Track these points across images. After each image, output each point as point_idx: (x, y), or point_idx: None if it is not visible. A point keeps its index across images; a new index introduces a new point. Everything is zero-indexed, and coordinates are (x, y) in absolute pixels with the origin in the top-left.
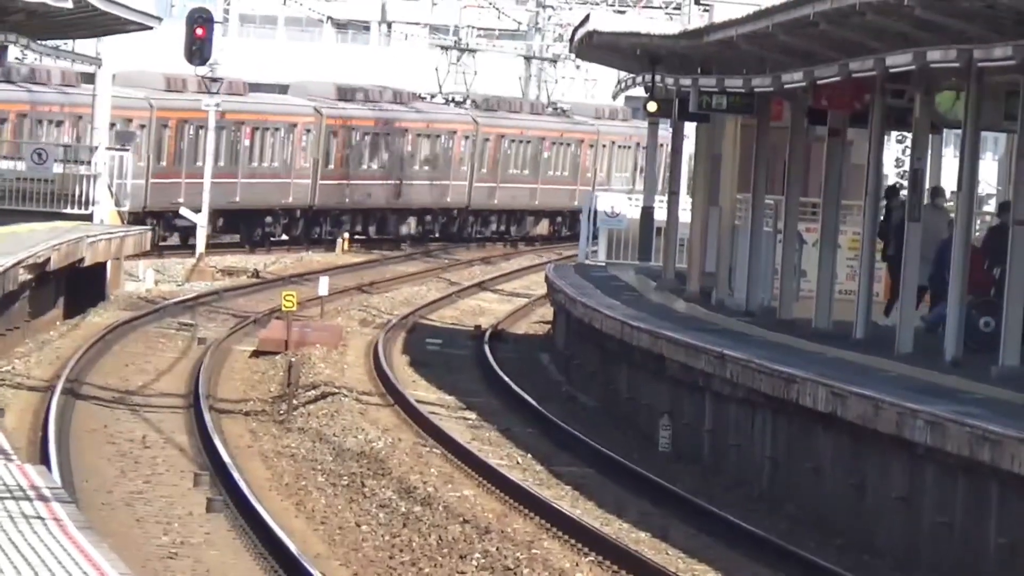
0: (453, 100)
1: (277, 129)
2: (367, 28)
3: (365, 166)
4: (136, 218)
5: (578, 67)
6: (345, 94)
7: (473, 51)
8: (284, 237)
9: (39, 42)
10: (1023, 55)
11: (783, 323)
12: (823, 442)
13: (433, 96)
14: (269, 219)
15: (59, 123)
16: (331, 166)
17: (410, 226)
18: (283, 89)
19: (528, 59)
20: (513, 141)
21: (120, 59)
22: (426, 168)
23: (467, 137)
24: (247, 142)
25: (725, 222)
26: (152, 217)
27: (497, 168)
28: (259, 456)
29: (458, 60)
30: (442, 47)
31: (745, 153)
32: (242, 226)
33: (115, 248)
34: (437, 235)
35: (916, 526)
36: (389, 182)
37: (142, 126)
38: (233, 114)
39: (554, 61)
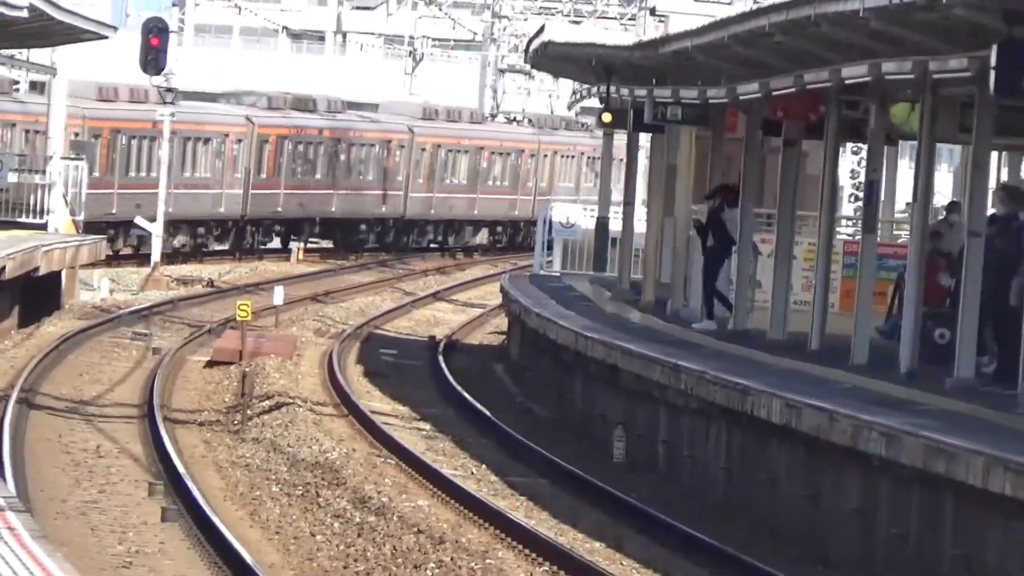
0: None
1: (208, 139)
2: (322, 38)
3: (299, 176)
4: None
5: (533, 78)
6: (278, 103)
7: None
8: (217, 247)
9: None
10: (978, 67)
11: (738, 334)
12: (778, 454)
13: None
14: (202, 229)
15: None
16: (263, 175)
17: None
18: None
19: (506, 72)
20: (450, 151)
21: (78, 69)
22: (361, 178)
23: (403, 147)
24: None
25: (680, 233)
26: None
27: (433, 178)
28: (214, 466)
29: (413, 70)
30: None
31: (700, 164)
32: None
33: (70, 257)
34: (374, 246)
35: (871, 538)
36: (324, 191)
37: (76, 133)
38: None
39: (504, 71)
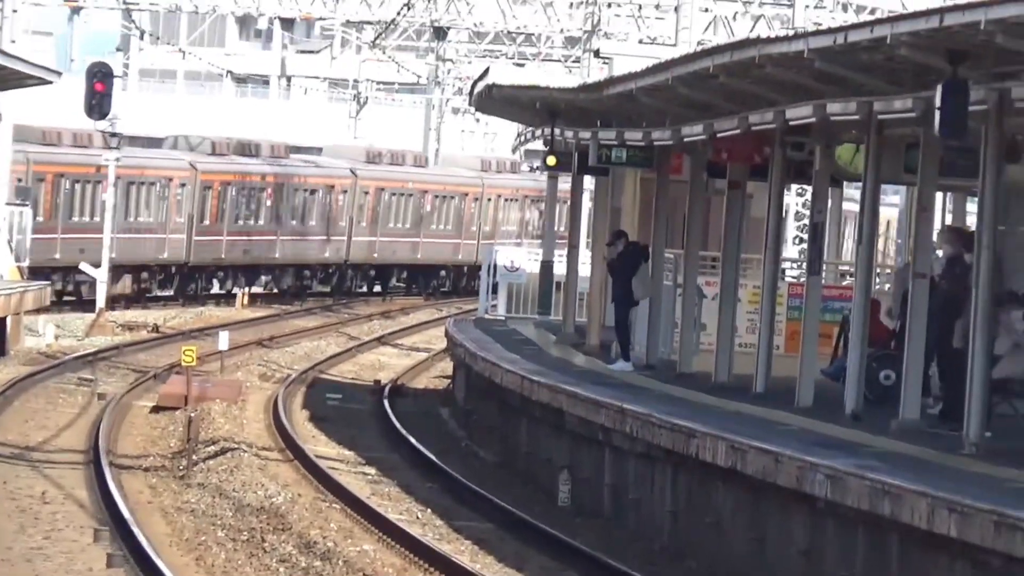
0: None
1: (153, 184)
2: (267, 82)
3: (242, 221)
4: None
5: (477, 120)
6: (221, 148)
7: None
8: (159, 292)
9: None
10: (922, 107)
11: (683, 376)
12: (724, 496)
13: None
14: (145, 275)
15: None
16: (206, 221)
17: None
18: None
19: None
20: (394, 194)
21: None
22: (304, 223)
23: (345, 191)
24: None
25: None
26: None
27: (376, 222)
28: (159, 511)
29: (358, 113)
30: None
31: (645, 206)
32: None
33: (15, 303)
34: (320, 290)
35: None
36: (266, 238)
37: (19, 179)
38: (124, 170)
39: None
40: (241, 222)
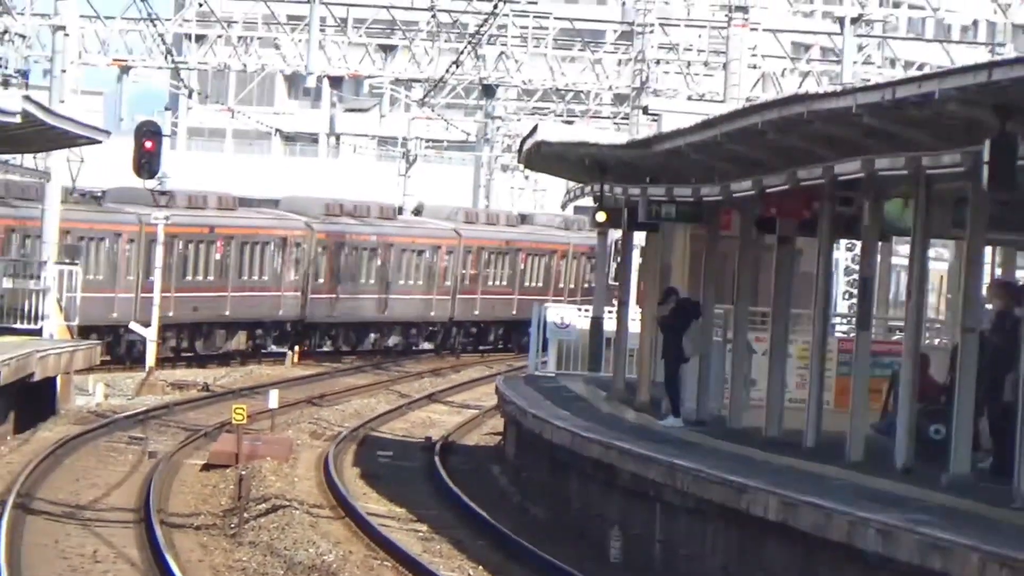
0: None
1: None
2: (315, 140)
3: (353, 282)
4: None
5: (527, 177)
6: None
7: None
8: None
9: None
10: (971, 162)
11: (734, 432)
12: (775, 551)
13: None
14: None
15: None
16: (321, 280)
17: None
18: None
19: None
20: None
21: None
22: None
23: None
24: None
25: None
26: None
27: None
28: (210, 570)
29: (407, 171)
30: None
31: (694, 262)
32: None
33: (65, 363)
34: (422, 348)
35: None
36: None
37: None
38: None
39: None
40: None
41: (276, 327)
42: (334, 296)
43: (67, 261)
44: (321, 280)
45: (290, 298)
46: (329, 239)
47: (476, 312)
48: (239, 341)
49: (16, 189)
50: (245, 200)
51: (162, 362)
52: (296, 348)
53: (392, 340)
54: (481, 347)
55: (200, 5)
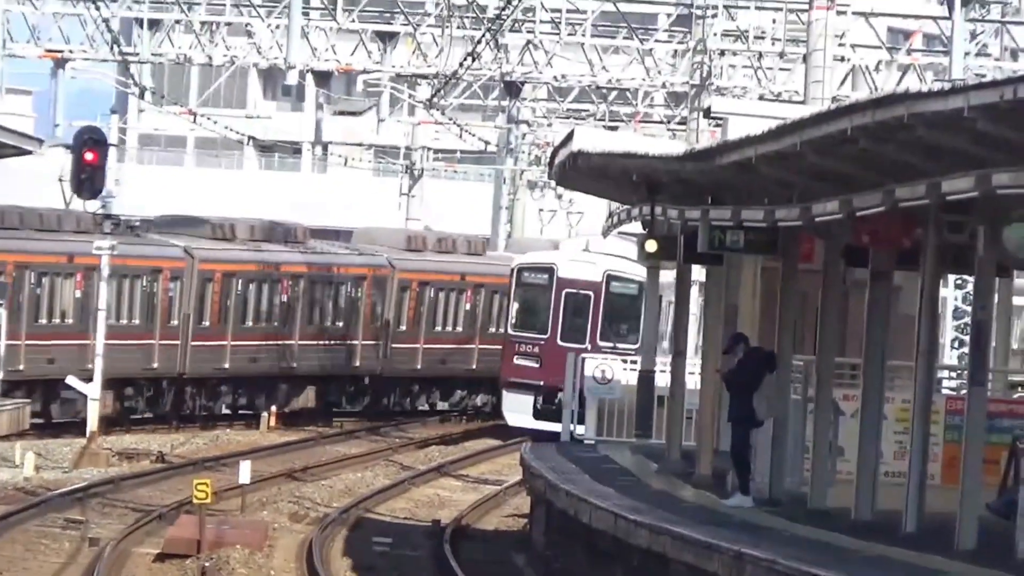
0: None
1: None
2: (298, 151)
3: (440, 327)
4: None
5: (559, 196)
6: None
7: None
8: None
9: None
10: None
11: (815, 513)
12: None
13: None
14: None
15: None
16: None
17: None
18: None
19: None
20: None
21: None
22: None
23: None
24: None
25: None
26: None
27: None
28: None
29: (410, 189)
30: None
31: (767, 302)
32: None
33: None
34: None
35: None
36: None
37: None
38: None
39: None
40: (439, 327)
41: (352, 382)
42: (223, 342)
43: None
44: (207, 323)
45: (368, 347)
46: (211, 268)
47: None
48: (307, 398)
49: None
50: (316, 232)
51: (109, 425)
52: (273, 409)
53: (481, 398)
54: None
55: None
